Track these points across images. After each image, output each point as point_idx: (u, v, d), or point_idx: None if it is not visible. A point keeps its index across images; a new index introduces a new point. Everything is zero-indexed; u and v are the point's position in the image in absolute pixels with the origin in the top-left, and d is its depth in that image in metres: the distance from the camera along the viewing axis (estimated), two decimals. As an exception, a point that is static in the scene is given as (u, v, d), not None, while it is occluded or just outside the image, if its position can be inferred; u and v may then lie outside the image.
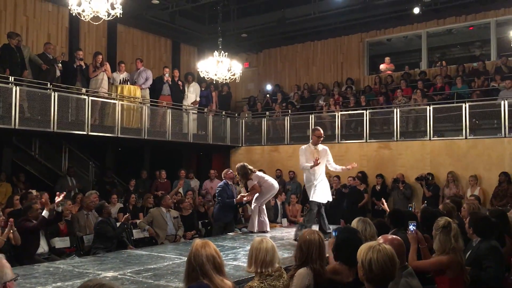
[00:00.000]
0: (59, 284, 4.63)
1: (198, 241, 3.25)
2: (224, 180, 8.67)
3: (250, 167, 8.48)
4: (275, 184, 8.52)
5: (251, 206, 8.63)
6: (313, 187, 7.69)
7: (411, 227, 4.45)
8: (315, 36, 16.05)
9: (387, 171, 11.82)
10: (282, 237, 7.93)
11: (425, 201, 9.71)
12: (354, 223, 4.46)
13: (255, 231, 8.34)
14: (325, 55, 16.20)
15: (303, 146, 7.92)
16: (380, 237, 3.63)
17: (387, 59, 15.19)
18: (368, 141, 12.48)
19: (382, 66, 15.22)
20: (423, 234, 4.68)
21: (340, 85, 14.95)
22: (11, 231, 6.09)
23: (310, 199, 7.72)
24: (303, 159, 7.76)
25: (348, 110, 13.26)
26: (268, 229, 8.56)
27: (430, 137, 11.63)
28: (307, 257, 3.66)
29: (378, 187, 11.61)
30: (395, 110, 12.22)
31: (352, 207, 10.83)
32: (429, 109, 11.66)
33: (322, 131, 7.94)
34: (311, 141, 7.95)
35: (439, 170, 11.22)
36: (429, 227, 4.55)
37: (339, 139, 12.95)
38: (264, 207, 8.62)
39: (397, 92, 13.10)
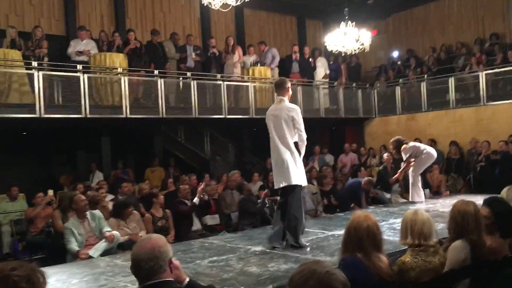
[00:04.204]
0: (215, 258, 5.00)
1: (359, 214, 3.20)
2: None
3: (403, 139, 8.40)
4: (433, 152, 8.27)
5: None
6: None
7: None
8: (450, -9, 14.77)
9: (547, 132, 10.52)
10: (427, 209, 7.55)
11: None
12: (504, 192, 4.10)
13: (423, 200, 8.23)
14: (463, 11, 14.77)
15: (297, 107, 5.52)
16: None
17: (538, 5, 13.38)
18: (520, 100, 11.22)
19: (532, 15, 13.45)
20: None
21: (482, 42, 13.57)
22: None
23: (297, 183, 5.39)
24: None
25: (493, 68, 12.01)
26: (422, 199, 8.33)
27: None
28: (462, 228, 3.42)
29: (535, 151, 10.41)
30: (552, 63, 10.78)
31: (506, 174, 9.86)
32: None
33: None
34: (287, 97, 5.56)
35: None
36: None
37: (485, 101, 11.84)
38: (419, 177, 8.36)
39: (553, 42, 11.51)
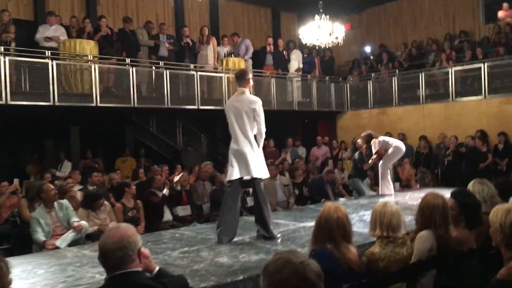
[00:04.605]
0: (186, 249, 4.97)
1: (330, 205, 3.22)
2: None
3: (374, 133, 8.55)
4: (401, 146, 8.39)
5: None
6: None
7: None
8: (422, -12, 15.00)
9: (511, 128, 10.84)
10: (396, 202, 7.68)
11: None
12: (470, 185, 4.20)
13: (392, 193, 8.32)
14: (434, 8, 15.04)
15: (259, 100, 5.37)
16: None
17: (505, 5, 13.65)
18: (487, 97, 11.50)
19: (500, 14, 13.76)
20: None
21: (452, 39, 13.86)
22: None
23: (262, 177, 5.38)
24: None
25: (462, 65, 12.29)
26: (392, 192, 8.44)
27: None
28: (429, 221, 3.48)
29: (500, 146, 10.71)
30: (519, 61, 11.09)
31: (471, 168, 10.13)
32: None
33: None
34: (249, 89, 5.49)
35: None
36: None
37: (454, 97, 12.11)
38: (389, 171, 8.49)
39: (520, 41, 11.83)
